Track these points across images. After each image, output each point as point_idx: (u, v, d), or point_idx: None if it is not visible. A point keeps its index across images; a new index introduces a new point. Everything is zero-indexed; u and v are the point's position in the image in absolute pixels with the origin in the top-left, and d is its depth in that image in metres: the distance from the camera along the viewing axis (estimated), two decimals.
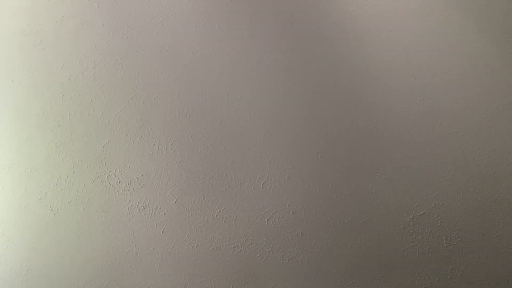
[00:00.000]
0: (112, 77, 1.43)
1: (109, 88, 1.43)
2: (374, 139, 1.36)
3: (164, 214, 1.35)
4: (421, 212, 1.31)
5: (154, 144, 1.39)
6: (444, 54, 1.38)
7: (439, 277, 1.29)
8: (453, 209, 1.31)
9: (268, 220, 1.34)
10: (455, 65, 1.37)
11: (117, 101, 1.42)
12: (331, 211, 1.34)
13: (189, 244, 1.34)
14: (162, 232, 1.35)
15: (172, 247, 1.34)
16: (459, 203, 1.31)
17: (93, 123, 1.41)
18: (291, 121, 1.38)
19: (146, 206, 1.36)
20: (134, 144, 1.39)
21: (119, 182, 1.37)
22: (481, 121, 1.34)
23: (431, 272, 1.29)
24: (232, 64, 1.43)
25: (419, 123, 1.35)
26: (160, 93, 1.42)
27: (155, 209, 1.36)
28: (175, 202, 1.36)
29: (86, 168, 1.38)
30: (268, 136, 1.38)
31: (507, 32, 1.38)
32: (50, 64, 1.45)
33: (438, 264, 1.29)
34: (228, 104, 1.40)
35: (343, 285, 1.31)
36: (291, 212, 1.34)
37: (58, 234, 1.36)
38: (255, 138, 1.38)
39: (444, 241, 1.30)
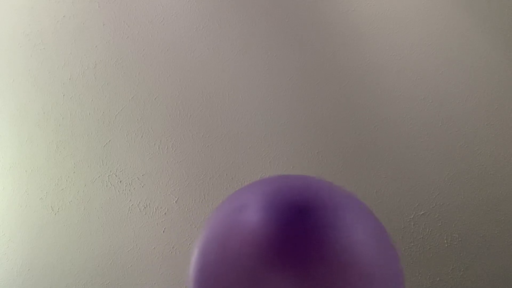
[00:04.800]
0: (113, 77, 1.43)
1: (110, 87, 1.43)
2: (374, 139, 1.36)
3: (165, 213, 1.35)
4: (422, 212, 1.31)
5: (155, 144, 1.39)
6: (445, 54, 1.38)
7: (440, 276, 1.29)
8: (454, 209, 1.31)
9: None
10: (456, 65, 1.38)
11: (118, 100, 1.42)
12: None
13: (190, 244, 1.34)
14: (163, 231, 1.35)
15: (173, 247, 1.34)
16: (459, 203, 1.31)
17: (94, 123, 1.41)
18: (292, 121, 1.39)
19: (147, 206, 1.36)
20: (135, 143, 1.39)
21: (120, 181, 1.37)
22: (482, 121, 1.34)
23: (431, 272, 1.29)
24: (232, 64, 1.43)
25: (419, 123, 1.35)
26: (160, 92, 1.42)
27: (155, 209, 1.36)
28: (176, 201, 1.36)
29: (87, 168, 1.39)
30: (268, 135, 1.38)
31: (508, 32, 1.38)
32: (51, 64, 1.45)
33: (439, 264, 1.29)
34: (228, 104, 1.40)
35: None
36: None
37: (59, 234, 1.36)
38: (256, 137, 1.38)
39: (445, 241, 1.30)
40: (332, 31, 1.43)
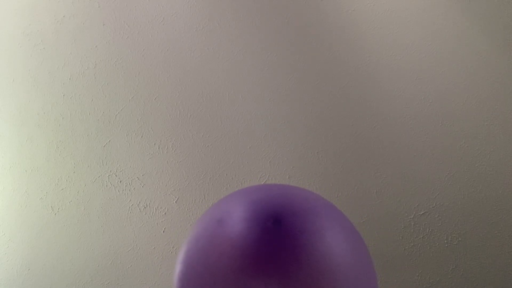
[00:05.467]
0: (113, 77, 1.43)
1: (110, 87, 1.43)
2: (374, 138, 1.36)
3: (165, 213, 1.35)
4: (422, 212, 1.31)
5: (154, 144, 1.39)
6: (445, 54, 1.38)
7: (440, 277, 1.29)
8: (454, 209, 1.31)
9: None
10: (456, 65, 1.37)
11: (118, 100, 1.42)
12: None
13: None
14: (163, 231, 1.35)
15: (172, 247, 1.34)
16: (459, 203, 1.31)
17: (93, 123, 1.41)
18: (292, 120, 1.39)
19: (147, 206, 1.36)
20: (135, 143, 1.39)
21: (120, 181, 1.37)
22: (482, 121, 1.34)
23: (432, 272, 1.29)
24: (233, 63, 1.43)
25: (419, 122, 1.35)
26: (160, 92, 1.42)
27: (155, 209, 1.36)
28: (175, 201, 1.36)
29: (87, 168, 1.38)
30: (268, 135, 1.38)
31: (508, 33, 1.38)
32: (51, 64, 1.45)
33: (439, 264, 1.29)
34: (228, 104, 1.40)
35: None
36: None
37: (59, 234, 1.36)
38: (256, 137, 1.38)
39: (445, 241, 1.30)
40: (332, 31, 1.43)
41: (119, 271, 1.34)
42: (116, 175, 1.38)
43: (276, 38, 1.44)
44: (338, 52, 1.42)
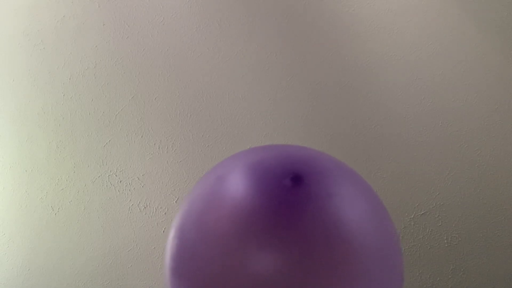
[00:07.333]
0: (113, 77, 1.43)
1: (110, 87, 1.43)
2: (374, 138, 1.36)
3: (165, 213, 1.35)
4: (422, 212, 1.31)
5: (155, 144, 1.39)
6: (445, 54, 1.38)
7: (440, 277, 1.29)
8: (454, 209, 1.31)
9: None
10: (456, 65, 1.37)
11: (118, 100, 1.42)
12: None
13: None
14: (163, 231, 1.35)
15: None
16: (460, 203, 1.31)
17: (94, 123, 1.41)
18: (291, 121, 1.38)
19: (147, 206, 1.36)
20: (135, 143, 1.39)
21: (120, 181, 1.37)
22: (482, 121, 1.34)
23: (432, 272, 1.29)
24: (232, 63, 1.43)
25: (419, 122, 1.35)
26: (160, 92, 1.42)
27: (156, 209, 1.36)
28: (176, 201, 1.36)
29: (87, 168, 1.38)
30: (268, 136, 1.38)
31: (508, 33, 1.38)
32: (51, 64, 1.45)
33: (439, 264, 1.29)
34: (228, 104, 1.40)
35: None
36: None
37: (59, 234, 1.36)
38: (256, 137, 1.38)
39: (445, 241, 1.30)
40: (332, 31, 1.43)
41: (119, 271, 1.34)
42: (116, 175, 1.38)
43: (276, 38, 1.44)
44: (338, 52, 1.42)
